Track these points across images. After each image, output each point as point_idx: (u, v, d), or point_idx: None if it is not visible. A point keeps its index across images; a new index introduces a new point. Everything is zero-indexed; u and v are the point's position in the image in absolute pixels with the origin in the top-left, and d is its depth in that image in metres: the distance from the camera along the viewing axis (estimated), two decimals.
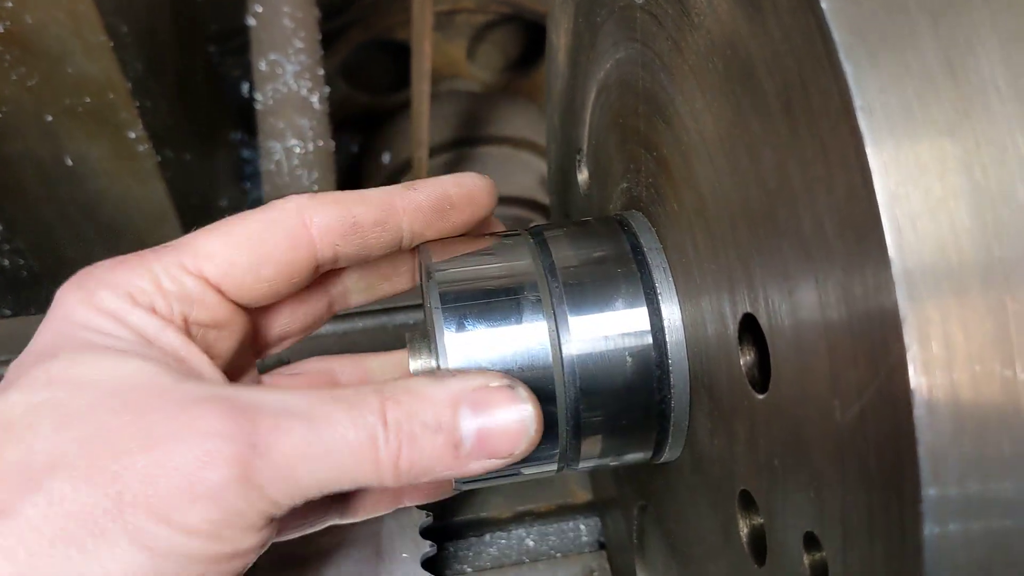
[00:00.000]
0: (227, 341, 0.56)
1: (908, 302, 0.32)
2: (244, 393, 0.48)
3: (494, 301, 0.54)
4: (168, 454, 0.45)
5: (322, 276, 0.59)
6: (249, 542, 0.47)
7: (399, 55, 2.13)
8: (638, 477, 0.68)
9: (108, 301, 0.51)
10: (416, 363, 0.57)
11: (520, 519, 0.88)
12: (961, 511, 0.33)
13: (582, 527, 0.90)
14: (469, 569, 0.87)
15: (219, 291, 0.54)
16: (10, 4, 0.93)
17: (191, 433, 0.45)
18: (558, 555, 0.88)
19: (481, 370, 0.53)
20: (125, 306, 0.51)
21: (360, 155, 2.23)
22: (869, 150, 0.32)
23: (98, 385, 0.47)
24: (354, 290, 0.63)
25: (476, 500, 0.86)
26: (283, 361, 0.76)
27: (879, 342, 0.33)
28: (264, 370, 0.65)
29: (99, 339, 0.49)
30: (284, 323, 0.61)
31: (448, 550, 0.86)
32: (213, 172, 1.67)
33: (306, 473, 0.47)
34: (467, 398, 0.50)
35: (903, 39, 0.34)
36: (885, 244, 0.32)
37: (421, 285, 0.62)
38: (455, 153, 2.05)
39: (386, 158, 2.10)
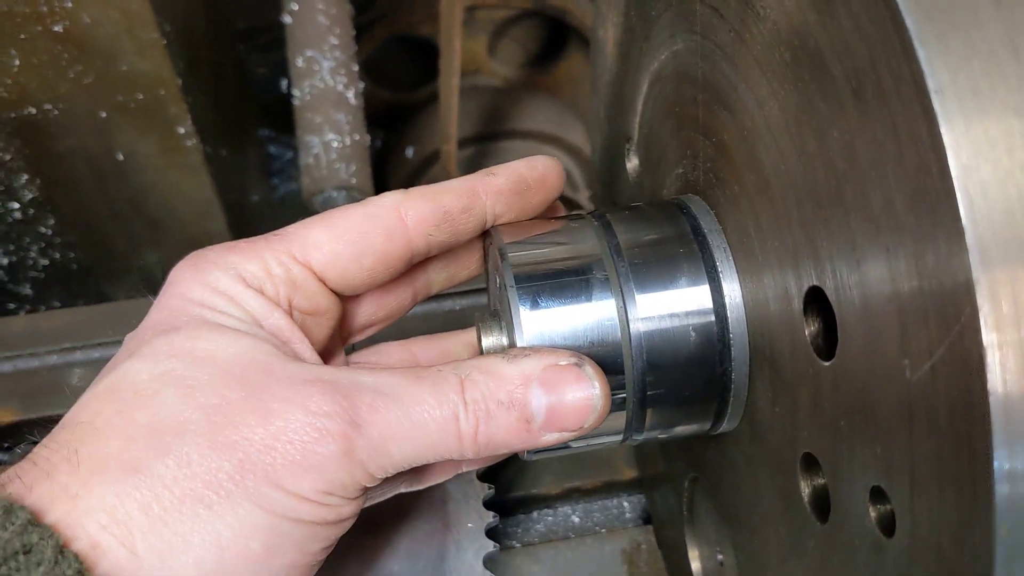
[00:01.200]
0: (323, 328, 0.59)
1: (980, 266, 0.35)
2: (344, 375, 0.52)
3: (564, 280, 0.57)
4: (283, 429, 0.49)
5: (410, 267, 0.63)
6: (348, 509, 0.51)
7: (421, 51, 2.16)
8: (690, 450, 0.71)
9: (222, 282, 0.54)
10: (488, 340, 0.60)
11: (567, 496, 0.91)
12: None
13: (625, 504, 0.93)
14: (518, 544, 0.90)
15: (321, 280, 0.57)
16: (69, 4, 0.97)
17: (303, 411, 0.49)
18: (603, 531, 0.91)
19: (551, 348, 0.56)
20: (238, 287, 0.54)
21: (383, 150, 2.26)
22: (943, 128, 0.35)
23: (216, 360, 0.51)
24: (436, 279, 0.67)
25: (527, 477, 0.89)
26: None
27: (951, 304, 0.36)
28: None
29: (215, 316, 0.53)
30: (371, 311, 0.65)
31: (498, 526, 0.90)
32: (245, 167, 1.71)
33: (397, 448, 0.51)
34: (538, 376, 0.54)
35: (969, 22, 0.37)
36: (959, 214, 0.35)
37: (487, 268, 0.66)
38: (478, 148, 2.09)
39: (410, 152, 2.13)
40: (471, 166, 2.06)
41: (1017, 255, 0.35)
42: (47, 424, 0.94)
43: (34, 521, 0.45)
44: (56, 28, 0.99)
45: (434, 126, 1.86)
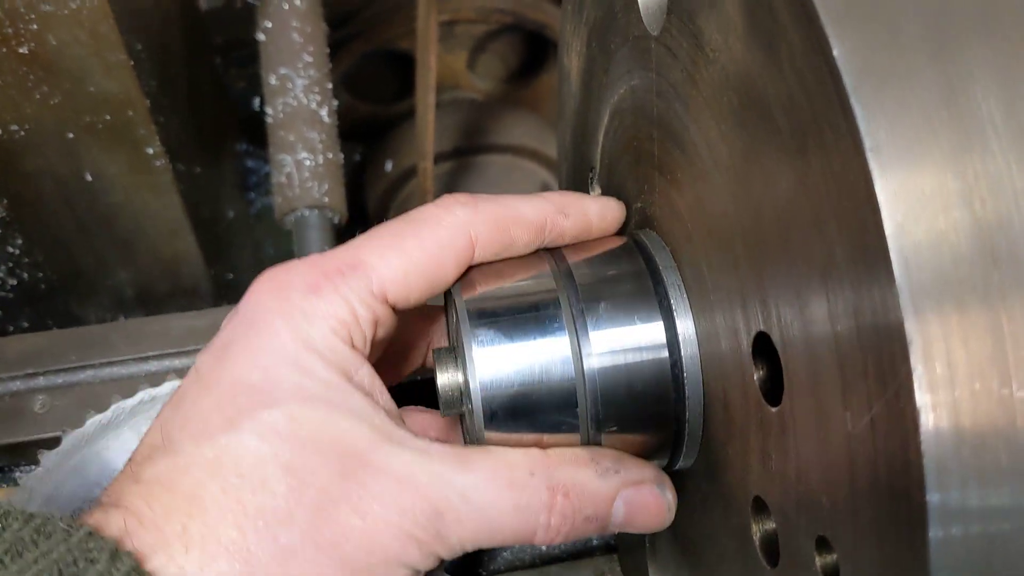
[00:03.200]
0: (380, 348, 0.61)
1: (915, 325, 0.35)
2: (435, 472, 0.54)
3: (518, 316, 0.57)
4: (378, 532, 0.52)
5: None
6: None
7: (401, 65, 2.16)
8: None
9: (316, 337, 0.54)
10: (443, 377, 0.59)
11: None
12: (963, 516, 0.36)
13: None
14: (484, 573, 0.90)
15: (394, 308, 0.58)
16: (35, 27, 0.96)
17: (398, 515, 0.52)
18: (567, 558, 0.91)
19: (637, 461, 0.59)
20: (331, 341, 0.55)
21: (363, 163, 2.25)
22: (878, 185, 0.35)
23: (319, 444, 0.52)
24: None
25: None
26: None
27: (887, 360, 0.36)
28: None
29: (313, 386, 0.54)
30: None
31: (464, 557, 0.89)
32: (220, 183, 1.70)
33: (474, 545, 0.55)
34: (625, 495, 0.57)
35: (905, 78, 0.37)
36: (892, 272, 0.35)
37: (446, 302, 0.65)
38: (457, 162, 2.08)
39: (388, 166, 2.13)
40: (450, 180, 2.06)
41: (951, 314, 0.35)
42: (7, 451, 0.93)
43: (139, 570, 0.48)
44: (22, 50, 0.98)
45: (413, 140, 1.86)
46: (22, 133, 1.06)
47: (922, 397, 0.34)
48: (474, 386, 0.56)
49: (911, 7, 0.37)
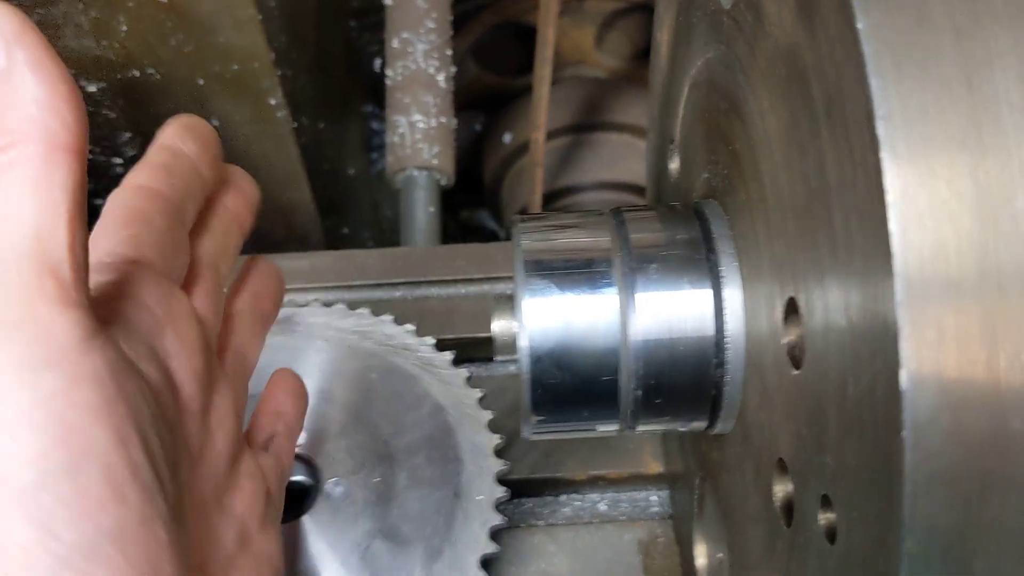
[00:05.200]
0: None
1: (906, 295, 0.36)
2: None
3: (572, 272, 0.60)
4: None
5: None
6: None
7: (529, 39, 2.19)
8: (699, 449, 0.73)
9: None
10: (498, 323, 0.63)
11: (594, 483, 0.93)
12: (940, 479, 0.37)
13: (653, 497, 0.95)
14: (542, 523, 0.93)
15: None
16: None
17: None
18: (624, 519, 0.94)
19: None
20: None
21: (483, 134, 2.30)
22: (884, 154, 0.37)
23: None
24: None
25: (551, 461, 0.92)
26: None
27: (882, 322, 0.38)
28: None
29: None
30: None
31: (525, 505, 0.93)
32: (344, 141, 1.77)
33: None
34: None
35: (927, 54, 0.38)
36: (890, 238, 0.36)
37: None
38: (573, 137, 2.11)
39: (507, 138, 2.17)
40: (564, 155, 2.09)
41: (945, 284, 0.36)
42: None
43: None
44: None
45: (529, 110, 1.89)
46: (157, 77, 1.14)
47: (907, 353, 0.36)
48: (522, 333, 0.59)
49: None
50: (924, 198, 0.37)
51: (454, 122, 1.45)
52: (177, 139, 0.62)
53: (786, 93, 0.48)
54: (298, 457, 0.77)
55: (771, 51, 0.50)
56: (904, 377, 0.36)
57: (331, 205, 1.56)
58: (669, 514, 0.93)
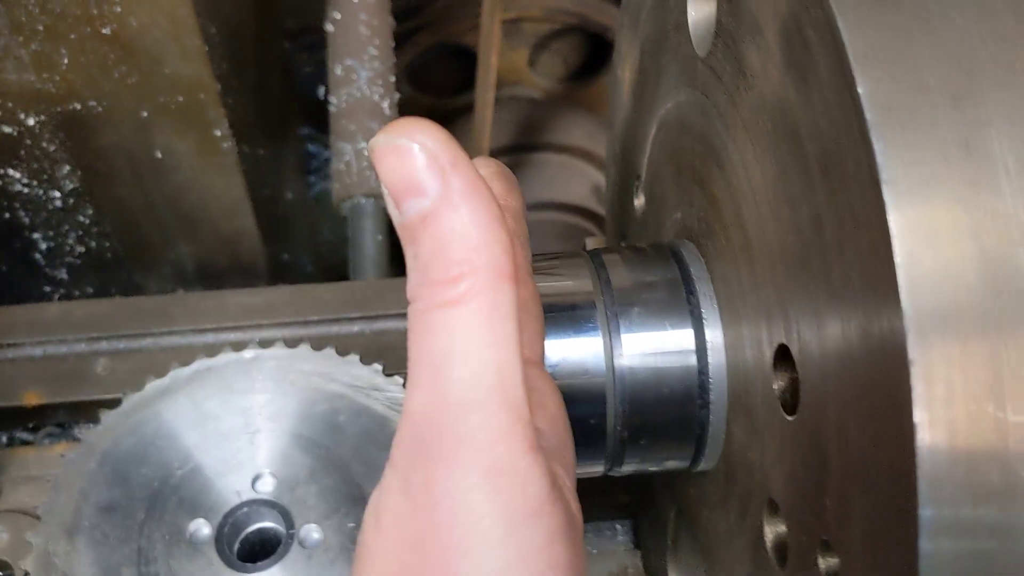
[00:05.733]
0: None
1: (917, 348, 0.37)
2: None
3: (556, 315, 0.60)
4: None
5: None
6: None
7: (464, 60, 2.20)
8: (674, 484, 0.74)
9: None
10: None
11: None
12: (953, 531, 0.38)
13: (618, 526, 0.96)
14: None
15: None
16: (118, 9, 1.01)
17: None
18: (594, 551, 0.94)
19: None
20: None
21: None
22: (891, 216, 0.38)
23: None
24: None
25: None
26: None
27: (892, 378, 0.39)
28: None
29: None
30: None
31: None
32: (282, 165, 1.75)
33: None
34: None
35: (925, 119, 0.39)
36: (900, 297, 0.38)
37: None
38: (513, 158, 2.12)
39: None
40: None
41: (952, 340, 0.37)
42: (70, 408, 0.99)
43: None
44: (104, 30, 1.03)
45: (471, 135, 1.89)
46: (99, 109, 1.12)
47: (920, 414, 0.37)
48: None
49: (935, 53, 0.40)
50: (930, 260, 0.38)
51: None
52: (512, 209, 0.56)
53: (774, 147, 0.49)
54: (269, 504, 0.76)
55: (755, 103, 0.51)
56: (920, 433, 0.37)
57: (273, 232, 1.54)
58: (636, 543, 0.94)
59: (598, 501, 0.94)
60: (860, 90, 0.39)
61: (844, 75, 0.40)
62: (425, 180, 0.39)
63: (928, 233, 0.38)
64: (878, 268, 0.39)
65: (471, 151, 1.80)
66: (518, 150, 2.11)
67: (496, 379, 0.40)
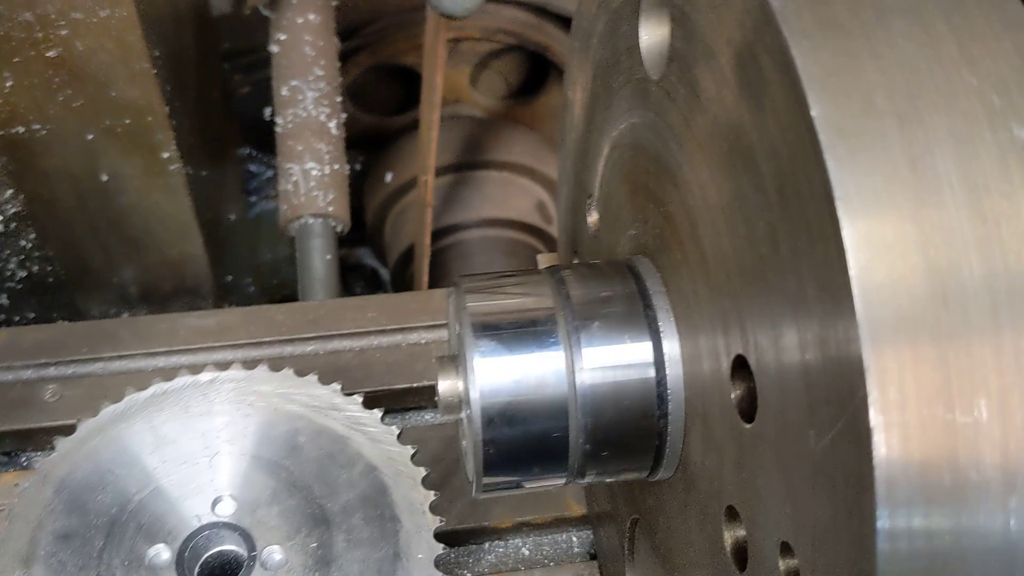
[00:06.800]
0: None
1: (872, 355, 0.40)
2: None
3: (518, 331, 0.62)
4: None
5: None
6: None
7: (405, 79, 2.21)
8: (631, 493, 0.76)
9: None
10: (445, 383, 0.64)
11: (518, 529, 0.95)
12: (908, 531, 0.40)
13: (574, 538, 0.97)
14: (468, 574, 0.94)
15: None
16: (64, 32, 1.01)
17: None
18: (552, 563, 0.96)
19: None
20: None
21: (363, 173, 2.30)
22: (844, 231, 0.40)
23: None
24: None
25: (478, 510, 0.93)
26: None
27: (847, 385, 0.41)
28: None
29: None
30: None
31: (449, 556, 0.93)
32: (224, 186, 1.74)
33: None
34: None
35: (875, 139, 0.42)
36: (855, 307, 0.40)
37: (449, 313, 0.70)
38: (455, 176, 2.13)
39: (388, 177, 2.17)
40: (447, 194, 2.11)
41: (904, 347, 0.40)
42: (17, 436, 0.97)
43: None
44: (49, 54, 1.02)
45: (413, 153, 1.90)
46: (43, 132, 1.11)
47: (876, 417, 0.39)
48: (474, 393, 0.60)
49: (883, 79, 0.42)
50: (882, 272, 0.40)
51: (347, 168, 1.45)
52: None
53: (729, 167, 0.51)
54: (230, 526, 0.76)
55: (710, 126, 0.53)
56: (876, 436, 0.39)
57: (217, 254, 1.53)
58: (591, 554, 0.96)
59: (554, 513, 0.95)
60: (814, 113, 0.42)
61: (798, 99, 0.42)
62: None
63: (880, 246, 0.40)
64: (833, 279, 0.41)
65: (415, 168, 1.81)
66: (461, 168, 2.12)
67: None
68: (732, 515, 0.56)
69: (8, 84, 1.05)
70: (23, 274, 1.29)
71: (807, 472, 0.45)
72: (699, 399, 0.60)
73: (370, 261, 2.42)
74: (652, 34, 0.62)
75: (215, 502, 0.77)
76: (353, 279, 2.39)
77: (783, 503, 0.48)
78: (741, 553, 0.56)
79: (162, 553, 0.75)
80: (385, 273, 2.32)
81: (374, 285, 2.37)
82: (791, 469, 0.47)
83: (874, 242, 0.40)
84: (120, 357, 1.02)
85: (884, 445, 0.39)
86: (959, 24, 0.45)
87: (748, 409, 0.53)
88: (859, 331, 0.40)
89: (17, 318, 1.36)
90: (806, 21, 0.43)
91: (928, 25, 0.44)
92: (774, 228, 0.46)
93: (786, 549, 0.49)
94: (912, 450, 0.40)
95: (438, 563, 0.74)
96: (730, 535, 0.57)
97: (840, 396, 0.42)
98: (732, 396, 0.54)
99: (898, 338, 0.40)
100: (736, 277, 0.52)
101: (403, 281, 2.06)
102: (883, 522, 0.40)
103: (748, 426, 0.52)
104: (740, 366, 0.53)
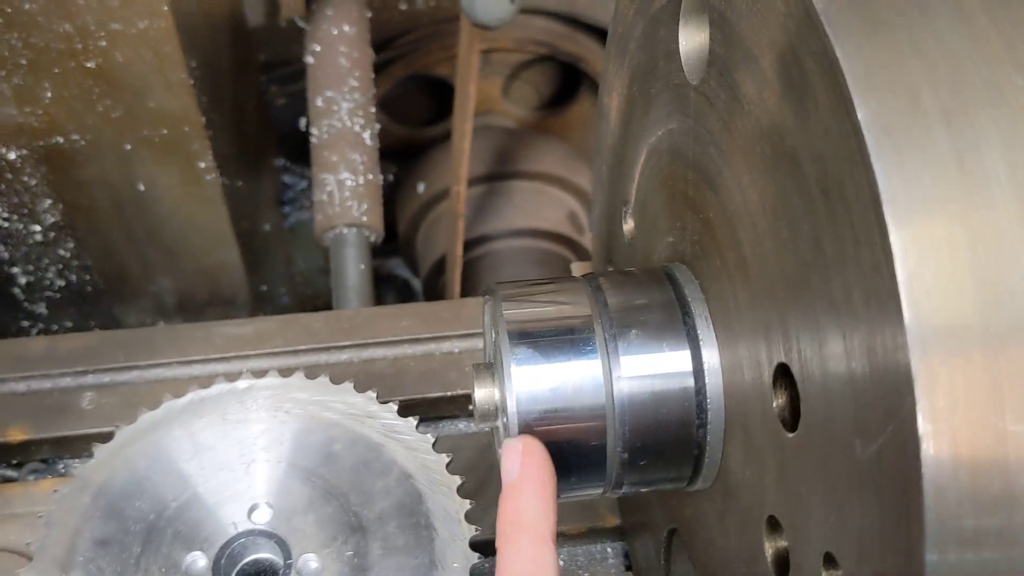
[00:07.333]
0: None
1: (920, 362, 0.39)
2: None
3: (555, 339, 0.61)
4: None
5: None
6: None
7: (438, 90, 2.22)
8: (668, 503, 0.75)
9: None
10: (481, 391, 0.64)
11: None
12: (957, 540, 0.39)
13: (609, 549, 0.97)
14: None
15: None
16: (103, 43, 1.02)
17: None
18: (586, 574, 0.95)
19: None
20: None
21: (395, 184, 2.31)
22: (892, 235, 0.39)
23: None
24: None
25: None
26: None
27: (895, 393, 0.40)
28: None
29: None
30: None
31: (484, 566, 0.93)
32: (259, 197, 1.76)
33: None
34: None
35: (922, 140, 0.41)
36: (903, 313, 0.39)
37: (484, 321, 0.70)
38: (487, 186, 2.13)
39: (420, 188, 2.18)
40: (479, 204, 2.11)
41: (953, 353, 0.39)
42: (55, 444, 0.98)
43: None
44: (88, 64, 1.04)
45: (445, 163, 1.91)
46: (82, 143, 1.12)
47: (924, 426, 0.38)
48: (511, 401, 0.60)
49: (928, 77, 0.41)
50: (931, 276, 0.39)
51: (380, 178, 1.46)
52: None
53: (771, 170, 0.50)
54: (266, 534, 0.75)
55: (752, 129, 0.53)
56: (924, 444, 0.38)
57: (253, 263, 1.54)
58: (626, 565, 0.95)
59: (588, 524, 0.94)
60: (859, 115, 0.41)
61: (843, 100, 0.42)
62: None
63: (928, 250, 0.39)
64: (880, 285, 0.40)
65: (445, 177, 1.81)
66: (493, 179, 2.12)
67: None
68: (773, 525, 0.55)
69: (48, 95, 1.06)
70: (61, 283, 1.31)
71: (853, 481, 0.45)
72: (739, 408, 0.59)
73: (402, 272, 2.43)
74: (691, 39, 0.61)
75: (251, 509, 0.77)
76: (385, 290, 2.39)
77: (827, 513, 0.48)
78: (782, 564, 0.55)
79: (198, 560, 0.75)
80: (417, 284, 2.33)
81: (406, 296, 2.37)
82: (836, 478, 0.46)
83: (922, 246, 0.40)
84: (156, 365, 1.02)
85: (933, 453, 0.39)
86: (1001, 17, 0.44)
87: (790, 418, 0.52)
88: (907, 338, 0.39)
89: (56, 327, 1.38)
90: (851, 21, 0.43)
91: (970, 19, 0.44)
92: (818, 232, 0.46)
93: (830, 560, 0.48)
94: (961, 458, 0.39)
95: (473, 572, 0.74)
96: (771, 545, 0.56)
97: (887, 404, 0.41)
98: (774, 405, 0.53)
99: (947, 345, 0.39)
100: (778, 284, 0.51)
101: (435, 291, 2.06)
102: (932, 531, 0.39)
103: (790, 435, 0.51)
104: (782, 374, 0.53)
